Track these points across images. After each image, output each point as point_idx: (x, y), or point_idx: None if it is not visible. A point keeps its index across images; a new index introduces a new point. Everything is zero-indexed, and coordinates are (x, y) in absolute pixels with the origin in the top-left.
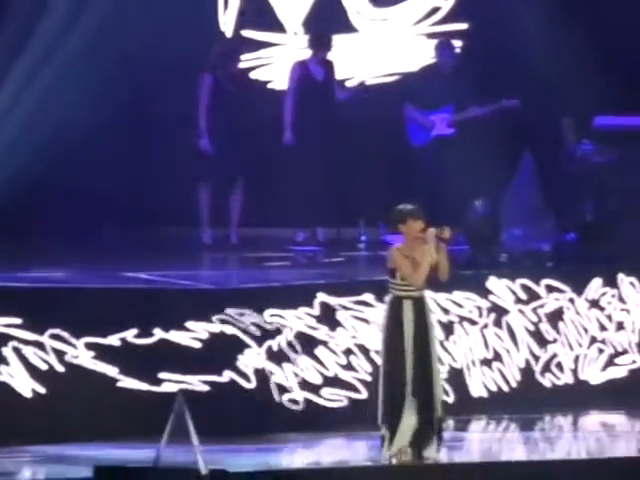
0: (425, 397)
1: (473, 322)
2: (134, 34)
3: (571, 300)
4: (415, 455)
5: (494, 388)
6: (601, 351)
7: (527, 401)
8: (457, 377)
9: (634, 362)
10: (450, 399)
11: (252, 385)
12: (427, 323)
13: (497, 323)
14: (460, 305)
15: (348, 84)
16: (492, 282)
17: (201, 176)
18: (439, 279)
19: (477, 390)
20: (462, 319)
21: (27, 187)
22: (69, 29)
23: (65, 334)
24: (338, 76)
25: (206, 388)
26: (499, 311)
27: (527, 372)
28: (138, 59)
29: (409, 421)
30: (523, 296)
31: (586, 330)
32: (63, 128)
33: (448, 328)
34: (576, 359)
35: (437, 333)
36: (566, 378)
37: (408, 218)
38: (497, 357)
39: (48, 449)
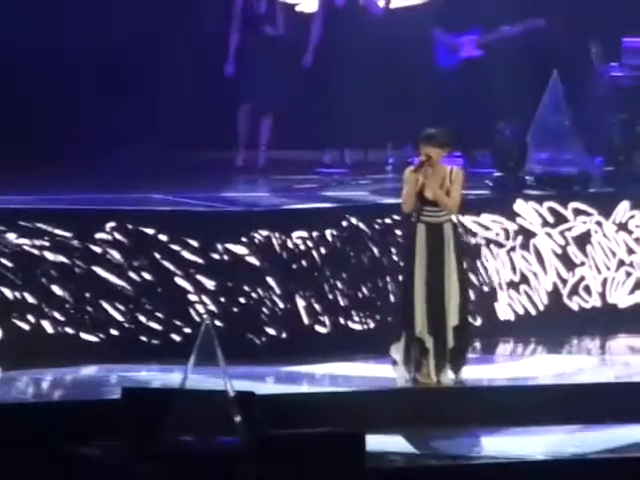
0: (437, 323)
1: (500, 245)
2: None
3: (598, 223)
4: (427, 378)
5: (521, 311)
6: (629, 274)
7: (554, 324)
8: (484, 300)
9: None
10: (477, 322)
11: (280, 307)
12: (443, 249)
13: (524, 246)
14: (487, 228)
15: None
16: (519, 205)
17: (238, 99)
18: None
19: (504, 313)
20: (489, 242)
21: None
22: None
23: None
24: None
25: (235, 310)
26: (526, 234)
27: (555, 295)
28: None
29: (420, 346)
30: (550, 219)
31: (614, 253)
32: (90, 48)
33: (475, 251)
34: (604, 282)
35: (463, 259)
36: (594, 301)
37: (420, 142)
38: (524, 280)
39: (78, 370)
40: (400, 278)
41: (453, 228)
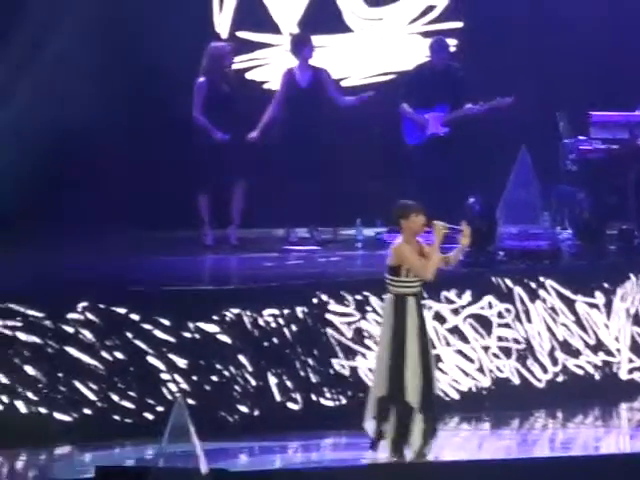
0: (427, 395)
1: None
2: (133, 38)
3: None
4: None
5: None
6: None
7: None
8: None
9: None
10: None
11: (252, 385)
12: (424, 318)
13: None
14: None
15: (345, 85)
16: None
17: (201, 180)
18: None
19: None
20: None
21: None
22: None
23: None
24: (334, 77)
25: (207, 388)
26: None
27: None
28: (136, 62)
29: (416, 420)
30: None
31: None
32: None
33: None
34: None
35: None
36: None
37: (411, 213)
38: None
39: (51, 450)
40: (383, 354)
41: (417, 300)
